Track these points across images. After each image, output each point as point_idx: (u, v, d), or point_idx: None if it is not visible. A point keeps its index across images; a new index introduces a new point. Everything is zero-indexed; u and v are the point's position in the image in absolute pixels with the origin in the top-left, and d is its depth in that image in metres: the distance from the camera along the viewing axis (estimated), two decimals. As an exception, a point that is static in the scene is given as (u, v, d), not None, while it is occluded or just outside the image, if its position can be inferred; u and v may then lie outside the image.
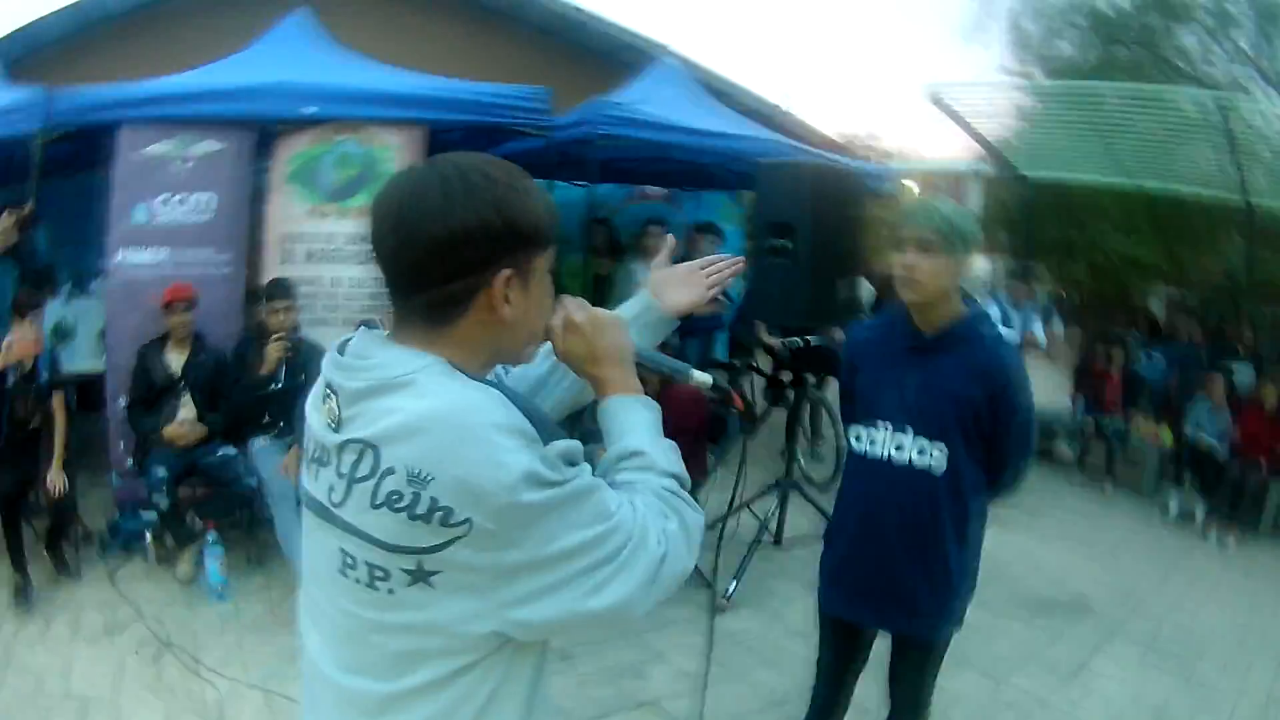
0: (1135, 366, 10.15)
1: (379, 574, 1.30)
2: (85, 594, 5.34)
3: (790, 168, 6.03)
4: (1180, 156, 10.44)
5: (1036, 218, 13.40)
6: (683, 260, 6.22)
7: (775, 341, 8.69)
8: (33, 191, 6.27)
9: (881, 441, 3.00)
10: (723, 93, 11.13)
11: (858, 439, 3.08)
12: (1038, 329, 9.43)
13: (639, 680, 4.72)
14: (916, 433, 2.94)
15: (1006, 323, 9.20)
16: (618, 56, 11.99)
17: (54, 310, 7.03)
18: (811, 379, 6.80)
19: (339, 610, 1.39)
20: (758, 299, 6.30)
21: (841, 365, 3.27)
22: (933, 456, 2.92)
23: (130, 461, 5.92)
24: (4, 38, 9.66)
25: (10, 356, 5.30)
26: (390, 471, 1.26)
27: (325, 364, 1.44)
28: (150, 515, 5.55)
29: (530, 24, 12.39)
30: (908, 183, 15.11)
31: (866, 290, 8.77)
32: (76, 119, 6.17)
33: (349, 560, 1.33)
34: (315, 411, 1.44)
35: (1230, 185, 10.40)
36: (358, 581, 1.33)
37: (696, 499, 4.62)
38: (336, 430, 1.35)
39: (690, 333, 8.52)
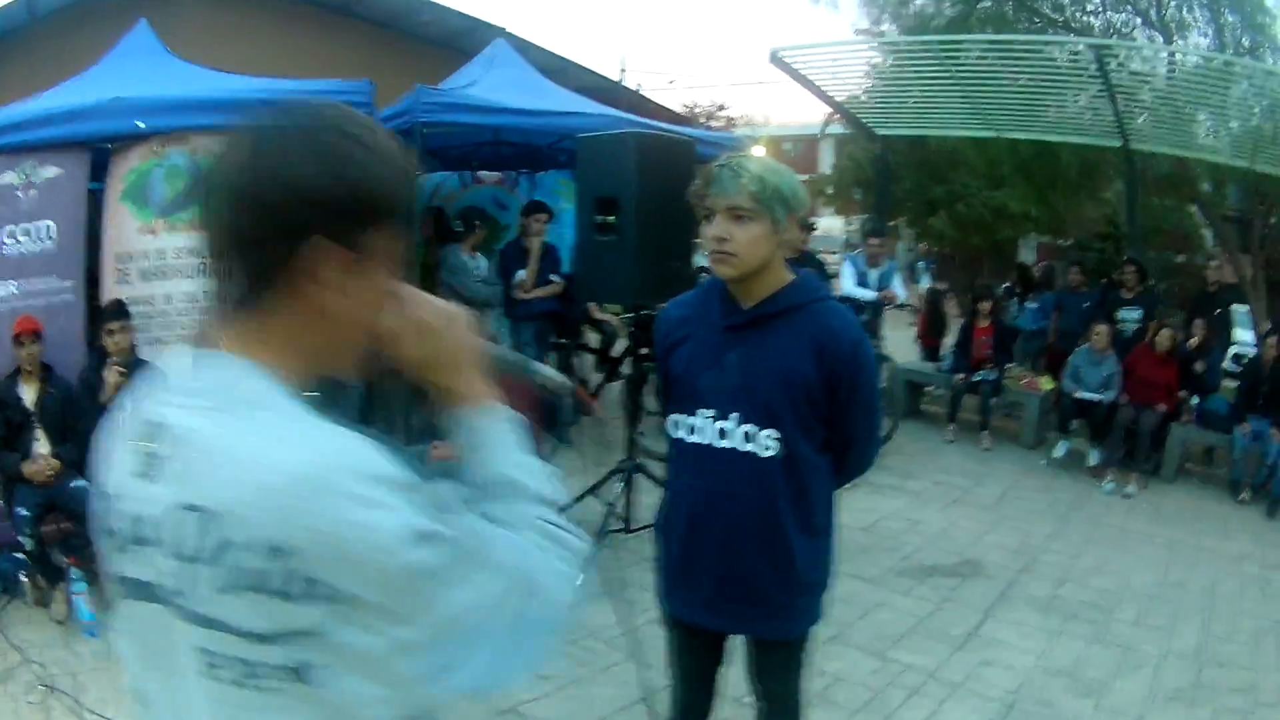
0: (1007, 318, 10.24)
1: (254, 672, 1.06)
2: None
3: (612, 140, 5.93)
4: (1048, 104, 10.52)
5: (893, 175, 13.44)
6: (516, 243, 6.29)
7: (608, 316, 8.72)
8: None
9: (704, 429, 2.71)
10: (559, 71, 11.25)
11: (677, 427, 2.79)
12: (897, 285, 9.40)
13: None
14: (742, 417, 2.65)
15: (863, 282, 9.31)
16: (454, 43, 12.19)
17: None
18: (647, 351, 6.56)
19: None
20: (586, 278, 6.24)
21: (656, 348, 2.96)
22: (763, 442, 2.64)
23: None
24: None
25: None
26: (245, 545, 1.02)
27: (137, 401, 1.19)
28: (20, 556, 5.46)
29: (366, 17, 12.62)
30: (755, 148, 15.10)
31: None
32: None
33: (213, 660, 1.07)
34: (123, 468, 1.16)
35: (1108, 131, 10.48)
36: (232, 684, 1.07)
37: None
38: (153, 481, 1.10)
39: (526, 318, 8.49)
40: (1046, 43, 10.61)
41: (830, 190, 21.82)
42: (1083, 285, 11.07)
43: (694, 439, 2.74)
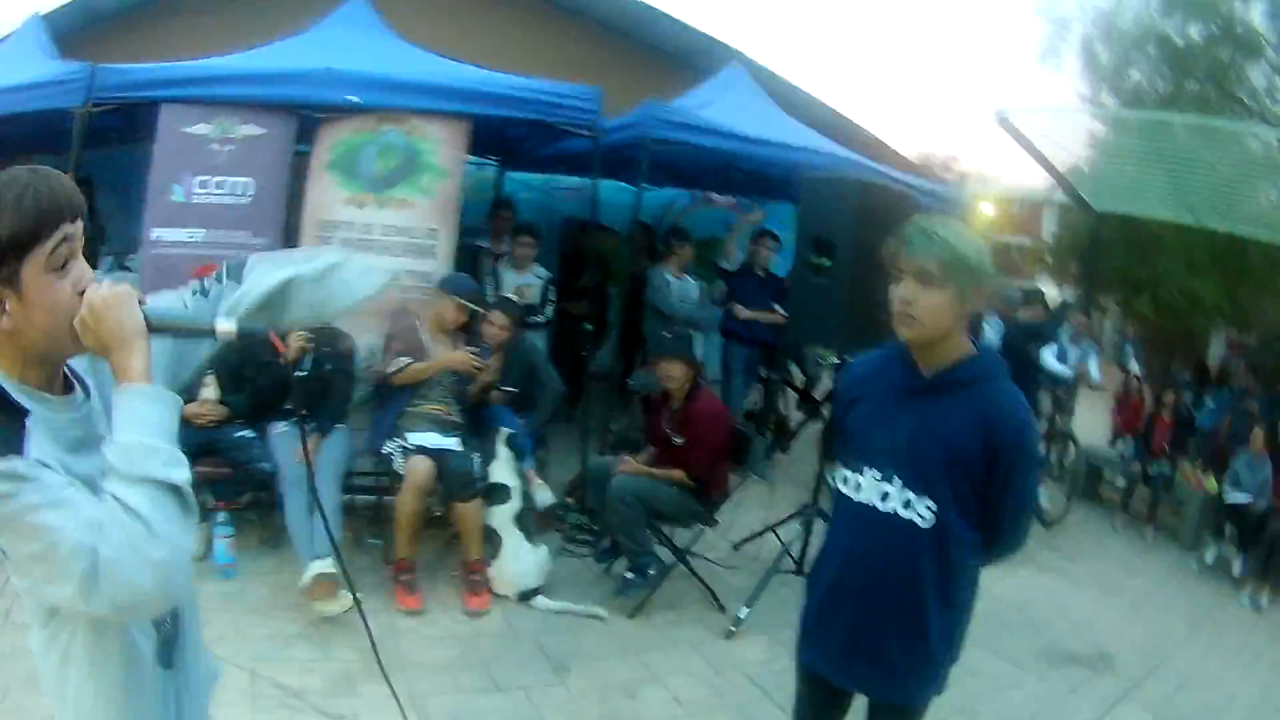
0: (1191, 411, 9.95)
1: None
2: None
3: (833, 183, 5.85)
4: (1243, 196, 10.19)
5: (1104, 249, 13.13)
6: (745, 267, 6.30)
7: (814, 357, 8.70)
8: (72, 164, 6.24)
9: (867, 489, 2.73)
10: (795, 102, 10.96)
11: (844, 481, 2.82)
12: (1093, 365, 9.23)
13: (630, 701, 4.59)
14: (904, 483, 2.66)
15: (1063, 358, 9.19)
16: (686, 58, 11.89)
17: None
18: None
19: None
20: (796, 316, 6.14)
21: (835, 399, 3.00)
22: (919, 509, 2.64)
23: None
24: (56, 10, 9.71)
25: None
26: None
27: None
28: None
29: (597, 20, 12.30)
30: (984, 206, 14.89)
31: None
32: (118, 95, 6.19)
33: None
34: None
35: (1300, 231, 10.13)
36: None
37: (715, 518, 4.53)
38: None
39: (740, 340, 8.48)
40: (1234, 128, 10.29)
41: (1049, 258, 21.59)
42: (1254, 386, 10.70)
43: (857, 496, 2.77)
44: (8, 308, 1.46)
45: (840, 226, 5.42)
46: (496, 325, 6.00)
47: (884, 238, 5.20)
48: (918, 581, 2.68)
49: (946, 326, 2.60)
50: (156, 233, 6.09)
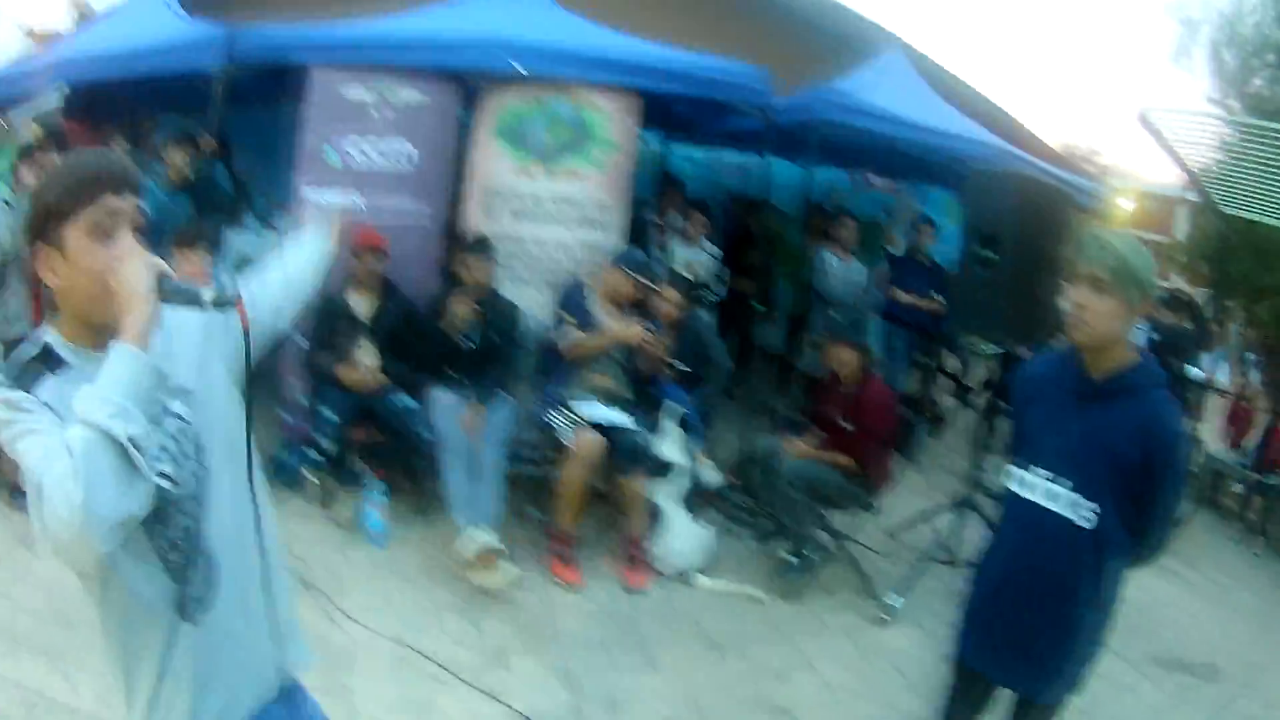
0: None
1: None
2: None
3: (997, 178, 5.93)
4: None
5: (1231, 254, 12.90)
6: (909, 252, 6.36)
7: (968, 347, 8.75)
8: (213, 127, 6.37)
9: (1035, 486, 2.89)
10: (951, 90, 10.88)
11: (1015, 479, 2.97)
12: (1222, 370, 9.13)
13: (781, 685, 4.63)
14: (1073, 485, 2.81)
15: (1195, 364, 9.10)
16: (842, 39, 11.74)
17: (239, 242, 7.11)
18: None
19: None
20: (962, 307, 6.16)
21: (1012, 398, 3.15)
22: (1084, 512, 2.80)
23: (303, 399, 5.94)
24: None
25: None
26: None
27: None
28: (314, 454, 5.59)
29: None
30: (1122, 201, 14.70)
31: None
32: (258, 58, 6.16)
33: None
34: None
35: None
36: None
37: (874, 504, 4.55)
38: None
39: (900, 323, 8.56)
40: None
41: (1182, 258, 21.44)
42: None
43: (1025, 494, 2.92)
44: (55, 269, 1.64)
45: (1005, 221, 5.50)
46: (670, 301, 6.04)
47: (1046, 233, 5.45)
48: (1074, 581, 2.86)
49: (1115, 333, 2.74)
50: (309, 195, 6.09)
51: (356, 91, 6.12)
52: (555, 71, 6.22)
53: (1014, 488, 2.96)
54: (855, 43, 10.94)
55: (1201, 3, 18.19)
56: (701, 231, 7.83)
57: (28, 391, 1.56)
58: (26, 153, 5.92)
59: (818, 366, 7.05)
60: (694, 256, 7.72)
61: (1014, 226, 5.45)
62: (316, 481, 5.63)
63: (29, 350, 1.63)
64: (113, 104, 7.78)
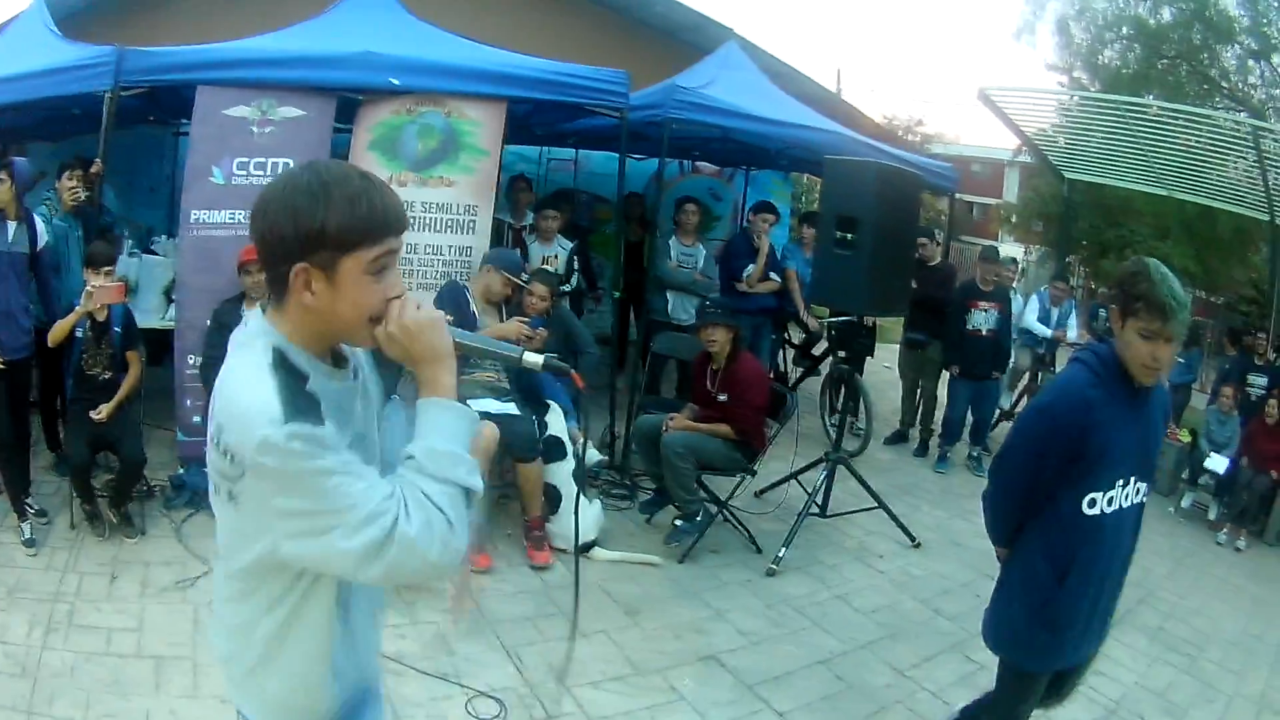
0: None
1: (216, 490, 1.66)
2: (151, 550, 5.36)
3: (857, 166, 6.45)
4: (1214, 171, 10.74)
5: (1072, 214, 13.68)
6: (744, 238, 6.82)
7: (813, 320, 9.23)
8: (102, 150, 6.33)
9: (1120, 497, 3.04)
10: (783, 77, 11.30)
11: (1091, 504, 3.01)
12: (1072, 326, 9.79)
13: (702, 636, 5.03)
14: (1138, 476, 3.07)
15: (1045, 320, 9.85)
16: (682, 36, 12.19)
17: (119, 266, 7.19)
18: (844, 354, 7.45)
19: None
20: (822, 285, 6.75)
21: (1064, 428, 3.01)
22: (1145, 491, 3.14)
23: (198, 418, 6.01)
24: None
25: (92, 303, 5.41)
26: (216, 419, 1.62)
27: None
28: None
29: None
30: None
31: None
32: (148, 79, 6.19)
33: (215, 484, 1.67)
34: None
35: (1258, 203, 10.76)
36: (217, 494, 1.67)
37: (755, 467, 4.80)
38: None
39: (746, 311, 8.62)
40: (1209, 117, 10.82)
41: (1013, 219, 22.11)
42: (1227, 346, 11.28)
43: (1110, 509, 3.05)
44: (315, 288, 1.63)
45: (862, 206, 6.10)
46: (537, 296, 6.30)
47: (898, 215, 6.26)
48: (1133, 551, 3.23)
49: None
50: (196, 215, 6.18)
51: (240, 110, 6.23)
52: (426, 84, 6.51)
53: (1092, 511, 3.01)
54: (689, 35, 11.41)
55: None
56: (555, 228, 8.09)
57: (320, 423, 1.57)
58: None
59: (672, 347, 7.56)
60: (548, 252, 7.97)
61: (871, 211, 6.06)
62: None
63: (274, 356, 1.67)
64: None
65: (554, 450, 5.93)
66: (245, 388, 1.58)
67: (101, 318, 5.54)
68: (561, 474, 5.90)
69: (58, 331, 5.45)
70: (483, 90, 6.61)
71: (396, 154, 6.55)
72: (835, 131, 8.36)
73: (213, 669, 3.90)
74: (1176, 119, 10.25)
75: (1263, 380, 9.62)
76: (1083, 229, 15.33)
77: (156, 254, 7.73)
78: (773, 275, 9.00)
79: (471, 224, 6.72)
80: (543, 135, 9.88)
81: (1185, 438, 9.45)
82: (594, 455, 6.64)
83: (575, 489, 5.82)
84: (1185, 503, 8.96)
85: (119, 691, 3.96)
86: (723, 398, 6.02)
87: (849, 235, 6.12)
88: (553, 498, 5.83)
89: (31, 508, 5.42)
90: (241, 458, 1.54)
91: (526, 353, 1.89)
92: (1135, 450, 3.04)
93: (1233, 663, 5.67)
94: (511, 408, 5.87)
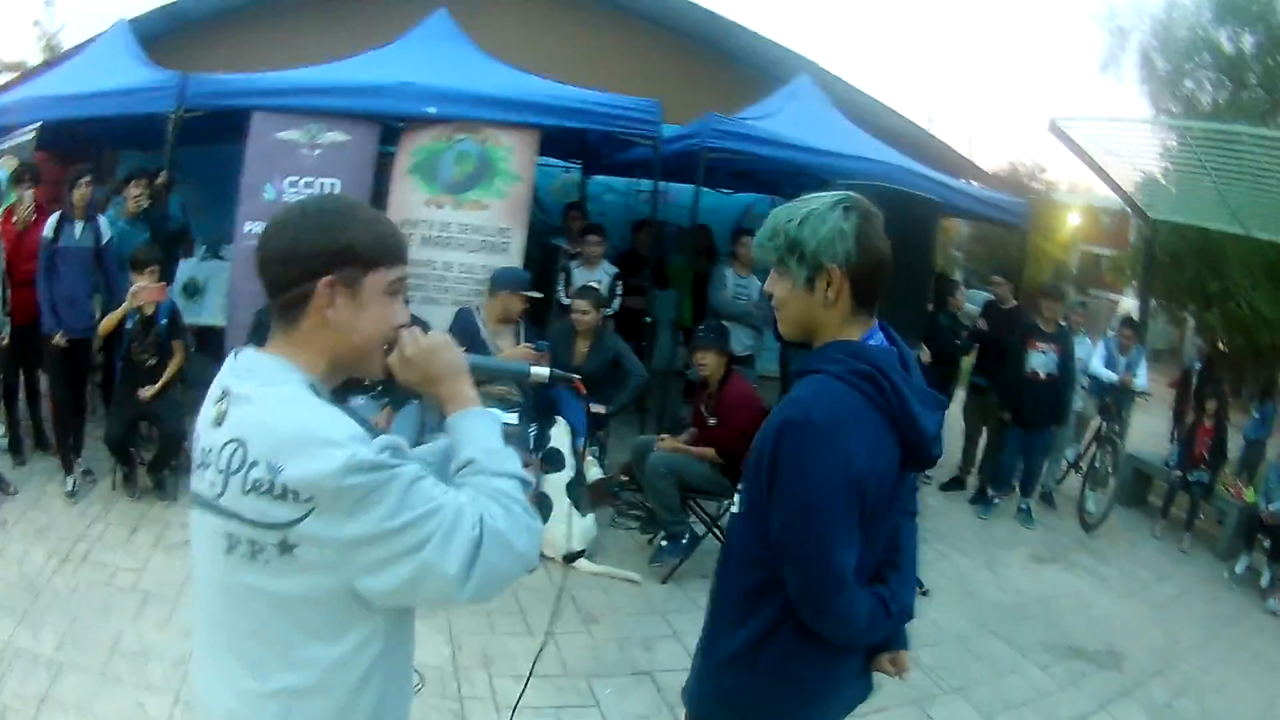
0: (1236, 423, 9.87)
1: (257, 548, 1.57)
2: (176, 513, 6.00)
3: (866, 191, 6.33)
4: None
5: (1173, 261, 13.16)
6: None
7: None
8: (168, 165, 7.09)
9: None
10: (867, 111, 11.30)
11: None
12: (1141, 373, 9.36)
13: (646, 652, 5.10)
14: None
15: (1111, 365, 9.44)
16: (759, 67, 12.15)
17: (188, 268, 8.08)
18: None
19: (222, 586, 1.66)
20: None
21: None
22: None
23: None
24: (144, 15, 10.45)
25: (135, 301, 6.08)
26: (255, 463, 1.55)
27: (223, 369, 1.76)
28: None
29: (672, 28, 12.75)
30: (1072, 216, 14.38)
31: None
32: (208, 104, 6.91)
33: (231, 541, 1.60)
34: (206, 413, 1.72)
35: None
36: (242, 556, 1.59)
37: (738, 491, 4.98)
38: (219, 426, 1.65)
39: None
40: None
41: (1126, 270, 21.54)
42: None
43: None
44: (338, 303, 1.66)
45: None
46: (580, 311, 6.57)
47: (911, 241, 6.07)
48: None
49: None
50: (249, 226, 6.81)
51: (291, 133, 6.86)
52: (462, 113, 6.91)
53: None
54: (771, 68, 11.45)
55: (1131, 9, 18.37)
56: (599, 253, 8.20)
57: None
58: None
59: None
60: (592, 276, 8.04)
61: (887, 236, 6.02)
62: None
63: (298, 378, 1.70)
64: (79, 139, 8.54)
65: (552, 460, 6.13)
66: (307, 416, 1.58)
67: (149, 312, 6.18)
68: (555, 484, 6.07)
69: (106, 324, 6.21)
70: (513, 118, 6.92)
71: (435, 178, 6.95)
72: (887, 162, 8.31)
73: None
74: (1269, 151, 9.55)
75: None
76: (1187, 279, 14.65)
77: (224, 259, 8.36)
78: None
79: (505, 245, 7.02)
80: (628, 166, 10.05)
81: (1251, 498, 8.84)
82: (595, 473, 6.79)
83: (567, 500, 6.02)
84: (1239, 567, 8.36)
85: (103, 614, 4.72)
86: (713, 421, 6.12)
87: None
88: (543, 506, 5.99)
89: (80, 467, 6.23)
90: (314, 488, 1.51)
91: (533, 367, 2.00)
92: None
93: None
94: (512, 419, 6.10)
